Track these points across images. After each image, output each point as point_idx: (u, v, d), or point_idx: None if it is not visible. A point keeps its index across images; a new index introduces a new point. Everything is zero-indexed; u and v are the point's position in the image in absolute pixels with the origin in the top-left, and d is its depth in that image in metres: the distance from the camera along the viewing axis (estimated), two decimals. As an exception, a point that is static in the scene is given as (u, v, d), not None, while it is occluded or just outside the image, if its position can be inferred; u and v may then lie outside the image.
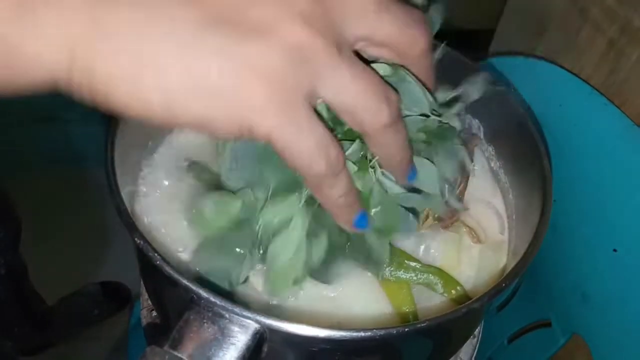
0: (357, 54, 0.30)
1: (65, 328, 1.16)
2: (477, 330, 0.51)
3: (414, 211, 0.40)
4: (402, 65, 0.33)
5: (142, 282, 0.49)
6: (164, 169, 0.47)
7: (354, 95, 0.28)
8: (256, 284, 0.39)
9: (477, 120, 0.52)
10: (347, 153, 0.33)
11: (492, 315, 0.64)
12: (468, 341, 0.50)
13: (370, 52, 0.31)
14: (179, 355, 0.29)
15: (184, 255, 0.41)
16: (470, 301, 0.33)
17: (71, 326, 1.17)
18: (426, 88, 0.36)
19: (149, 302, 0.50)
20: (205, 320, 0.30)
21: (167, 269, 0.31)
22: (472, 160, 0.49)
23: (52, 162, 1.42)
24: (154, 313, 0.50)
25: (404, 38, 0.31)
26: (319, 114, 0.29)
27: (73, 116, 1.33)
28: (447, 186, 0.42)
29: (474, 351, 0.51)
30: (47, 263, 1.22)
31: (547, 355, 0.56)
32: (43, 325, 1.10)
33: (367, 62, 0.31)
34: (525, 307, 0.61)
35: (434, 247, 0.44)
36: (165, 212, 0.44)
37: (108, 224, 1.29)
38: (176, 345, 0.29)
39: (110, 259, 1.30)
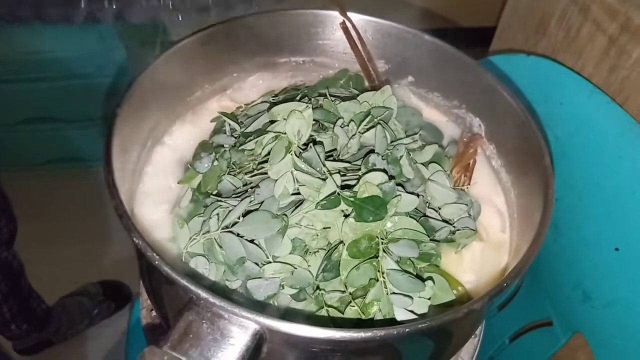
0: None
1: (65, 327, 1.15)
2: (478, 329, 0.51)
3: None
4: None
5: (141, 282, 0.49)
6: (162, 167, 0.46)
7: None
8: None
9: (478, 119, 0.52)
10: None
11: (493, 314, 0.64)
12: (469, 341, 0.49)
13: None
14: (177, 355, 0.29)
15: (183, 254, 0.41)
16: (472, 301, 0.33)
17: (71, 325, 1.16)
18: None
19: (149, 302, 0.50)
20: (204, 321, 0.30)
21: (166, 269, 0.31)
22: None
23: (52, 162, 1.42)
24: (154, 313, 0.49)
25: None
26: None
27: (72, 116, 1.33)
28: None
29: (476, 351, 0.50)
30: (46, 262, 1.22)
31: (548, 354, 0.56)
32: (42, 324, 1.09)
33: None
34: (527, 307, 0.61)
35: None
36: (164, 211, 0.44)
37: (108, 223, 1.29)
38: (175, 345, 0.29)
39: (110, 258, 1.29)
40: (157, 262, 0.31)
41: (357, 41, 0.53)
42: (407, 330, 0.31)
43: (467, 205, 0.44)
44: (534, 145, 0.43)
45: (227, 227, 0.37)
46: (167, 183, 0.46)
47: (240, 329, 0.30)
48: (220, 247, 0.37)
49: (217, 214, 0.38)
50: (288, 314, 0.37)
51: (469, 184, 0.47)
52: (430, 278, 0.38)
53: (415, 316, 0.36)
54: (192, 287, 0.30)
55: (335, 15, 0.52)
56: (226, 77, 0.53)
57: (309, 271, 0.37)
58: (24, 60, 1.19)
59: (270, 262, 0.37)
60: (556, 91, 0.54)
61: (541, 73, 0.56)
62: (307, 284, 0.37)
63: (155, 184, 0.46)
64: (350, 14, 0.52)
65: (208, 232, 0.38)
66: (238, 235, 0.37)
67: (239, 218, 0.37)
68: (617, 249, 0.48)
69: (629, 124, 0.48)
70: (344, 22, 0.52)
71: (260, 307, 0.37)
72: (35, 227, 1.30)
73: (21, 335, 1.07)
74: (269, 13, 0.51)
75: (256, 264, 0.37)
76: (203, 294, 0.30)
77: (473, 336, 0.50)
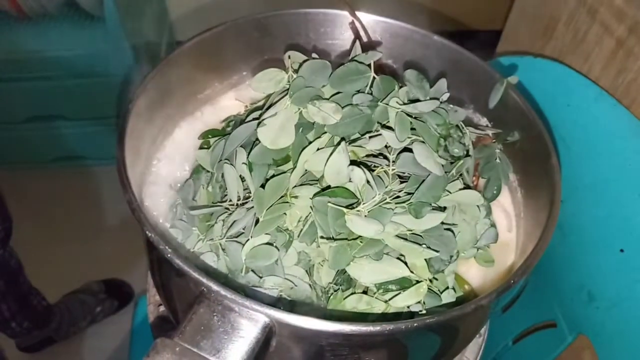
0: None
1: (67, 325, 1.16)
2: (483, 329, 0.51)
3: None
4: None
5: (149, 277, 0.49)
6: (172, 162, 0.47)
7: None
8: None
9: (485, 119, 0.52)
10: None
11: (497, 315, 0.64)
12: (474, 340, 0.50)
13: None
14: (189, 347, 0.29)
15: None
16: (478, 298, 0.33)
17: (73, 323, 1.17)
18: None
19: (156, 297, 0.50)
20: (215, 314, 0.30)
21: (178, 262, 0.31)
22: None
23: (55, 161, 1.43)
24: (161, 308, 0.50)
25: None
26: None
27: (72, 115, 1.33)
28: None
29: (480, 350, 0.50)
30: (49, 261, 1.22)
31: (552, 355, 0.56)
32: (43, 322, 1.10)
33: None
34: (531, 308, 0.61)
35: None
36: (175, 205, 0.44)
37: (109, 222, 1.29)
38: (186, 337, 0.29)
39: (113, 257, 1.30)
40: (169, 255, 0.31)
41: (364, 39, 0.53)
42: (415, 325, 0.31)
43: (490, 220, 0.44)
44: (541, 146, 0.44)
45: (232, 236, 0.37)
46: (175, 177, 0.46)
47: (251, 322, 0.30)
48: (224, 250, 0.37)
49: (223, 220, 0.38)
50: (297, 308, 0.37)
51: (477, 183, 0.47)
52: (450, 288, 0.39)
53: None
54: (204, 280, 0.30)
55: (344, 15, 0.53)
56: (236, 75, 0.54)
57: (311, 285, 0.37)
58: (30, 59, 1.20)
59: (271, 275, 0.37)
60: (563, 93, 0.55)
61: (548, 75, 0.56)
62: (307, 299, 0.37)
63: (164, 178, 0.46)
64: (359, 14, 0.52)
65: (212, 240, 0.38)
66: (243, 245, 0.37)
67: (244, 229, 0.37)
68: (622, 250, 0.48)
69: (635, 126, 0.48)
70: (353, 22, 0.53)
71: (270, 300, 0.37)
72: (38, 226, 1.31)
73: (22, 333, 1.07)
74: (279, 12, 0.52)
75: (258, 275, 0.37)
76: (215, 287, 0.30)
77: (478, 336, 0.50)
